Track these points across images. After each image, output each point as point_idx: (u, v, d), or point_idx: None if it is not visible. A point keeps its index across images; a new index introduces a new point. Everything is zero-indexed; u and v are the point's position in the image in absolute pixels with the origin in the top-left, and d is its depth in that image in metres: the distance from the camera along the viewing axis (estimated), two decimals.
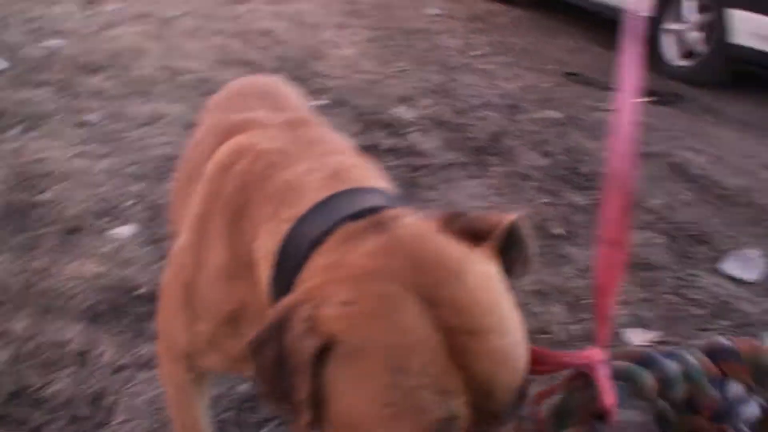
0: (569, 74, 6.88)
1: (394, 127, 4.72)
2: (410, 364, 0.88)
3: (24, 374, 2.20)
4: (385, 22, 7.74)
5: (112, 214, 3.17)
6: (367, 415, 0.90)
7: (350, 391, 0.91)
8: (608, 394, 1.06)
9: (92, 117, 4.08)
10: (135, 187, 3.41)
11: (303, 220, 1.12)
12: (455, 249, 0.99)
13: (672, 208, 4.06)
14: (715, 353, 1.12)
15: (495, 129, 4.98)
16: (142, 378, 2.24)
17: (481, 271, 0.97)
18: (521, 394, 0.95)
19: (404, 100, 5.28)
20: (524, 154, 4.56)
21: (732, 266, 3.40)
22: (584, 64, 7.33)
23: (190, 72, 5.07)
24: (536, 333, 2.67)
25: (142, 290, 2.64)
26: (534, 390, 1.10)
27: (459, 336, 0.89)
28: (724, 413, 1.08)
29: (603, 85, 6.65)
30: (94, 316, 2.49)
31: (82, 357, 2.30)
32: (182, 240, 1.41)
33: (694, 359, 1.12)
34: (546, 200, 3.89)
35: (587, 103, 6.11)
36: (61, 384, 2.18)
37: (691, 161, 4.96)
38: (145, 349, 2.34)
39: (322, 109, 4.76)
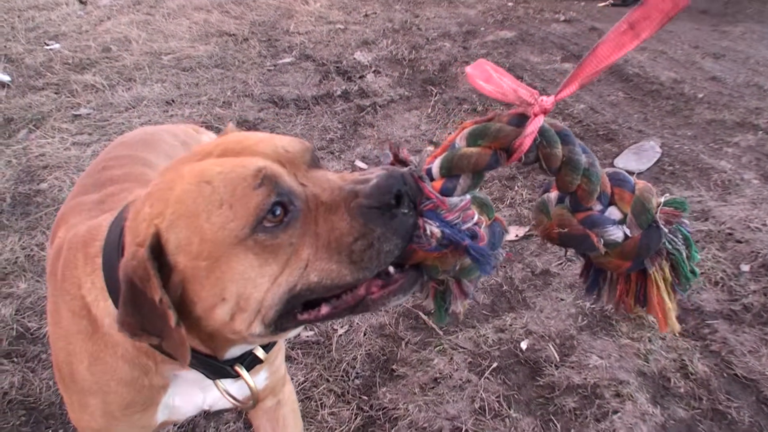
0: None
1: (349, 73, 5.24)
2: (211, 179, 1.10)
3: (24, 322, 2.94)
4: None
5: None
6: (211, 234, 1.08)
7: (194, 237, 1.08)
8: (527, 138, 1.12)
9: (83, 110, 4.77)
10: None
11: (107, 244, 1.30)
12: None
13: (594, 111, 4.47)
14: (616, 176, 1.20)
15: (445, 59, 5.43)
16: None
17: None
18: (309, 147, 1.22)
19: (364, 44, 5.77)
20: (466, 79, 5.01)
21: (626, 160, 3.81)
22: None
23: (171, 52, 5.70)
24: None
25: None
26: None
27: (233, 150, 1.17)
28: (596, 223, 1.15)
29: None
30: None
31: None
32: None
33: (599, 168, 1.17)
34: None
35: (545, 16, 6.43)
36: None
37: (630, 61, 5.29)
38: None
39: (289, 66, 5.35)
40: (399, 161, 1.20)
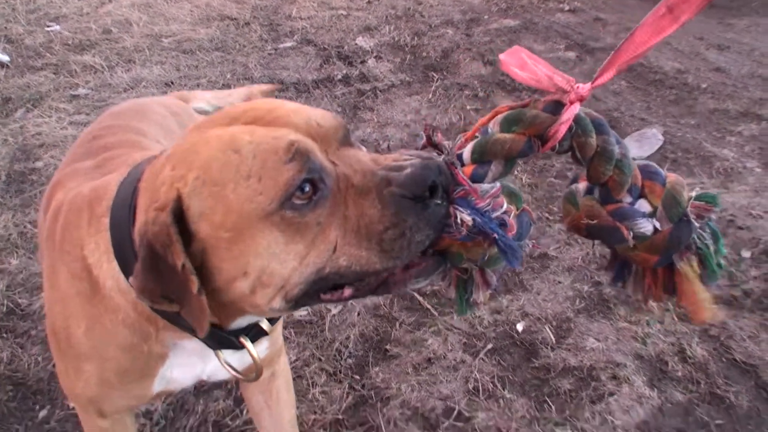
0: None
1: (351, 58, 5.20)
2: (239, 148, 1.05)
3: (15, 298, 2.90)
4: None
5: None
6: (237, 205, 1.04)
7: (218, 207, 1.04)
8: (563, 125, 1.10)
9: (82, 91, 4.73)
10: None
11: (115, 204, 1.25)
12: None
13: (596, 99, 4.42)
14: (647, 169, 1.18)
15: (447, 46, 5.37)
16: None
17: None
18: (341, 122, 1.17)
19: (366, 30, 5.72)
20: (468, 66, 4.97)
21: (628, 146, 3.77)
22: None
23: (171, 35, 5.65)
24: None
25: None
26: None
27: (261, 120, 1.11)
28: (626, 215, 1.14)
29: None
30: None
31: None
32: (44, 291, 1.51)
33: (631, 160, 1.17)
34: (474, 107, 4.34)
35: (550, 6, 6.38)
36: (42, 302, 2.88)
37: None
38: None
39: (290, 50, 5.31)
40: (432, 145, 1.18)
